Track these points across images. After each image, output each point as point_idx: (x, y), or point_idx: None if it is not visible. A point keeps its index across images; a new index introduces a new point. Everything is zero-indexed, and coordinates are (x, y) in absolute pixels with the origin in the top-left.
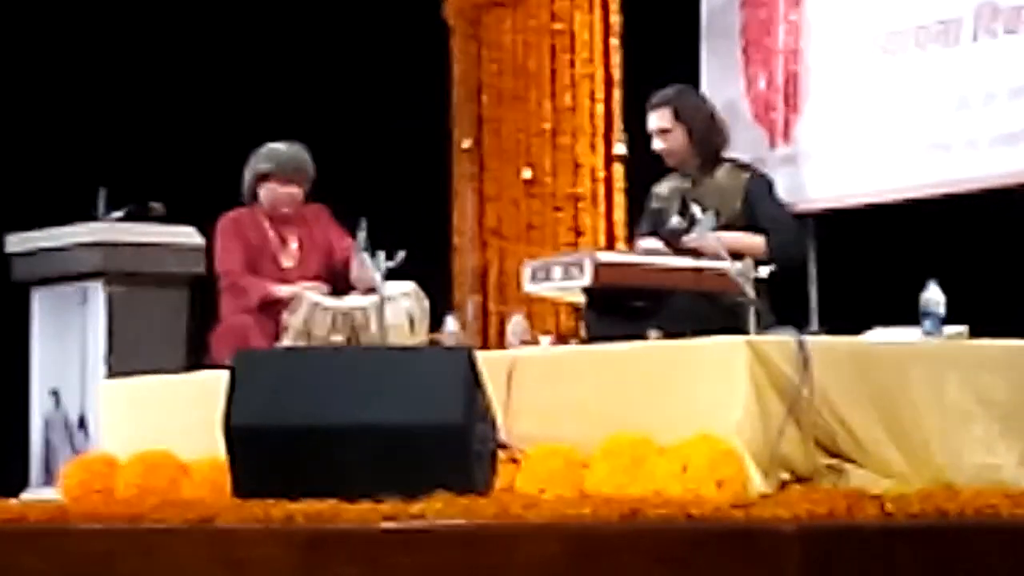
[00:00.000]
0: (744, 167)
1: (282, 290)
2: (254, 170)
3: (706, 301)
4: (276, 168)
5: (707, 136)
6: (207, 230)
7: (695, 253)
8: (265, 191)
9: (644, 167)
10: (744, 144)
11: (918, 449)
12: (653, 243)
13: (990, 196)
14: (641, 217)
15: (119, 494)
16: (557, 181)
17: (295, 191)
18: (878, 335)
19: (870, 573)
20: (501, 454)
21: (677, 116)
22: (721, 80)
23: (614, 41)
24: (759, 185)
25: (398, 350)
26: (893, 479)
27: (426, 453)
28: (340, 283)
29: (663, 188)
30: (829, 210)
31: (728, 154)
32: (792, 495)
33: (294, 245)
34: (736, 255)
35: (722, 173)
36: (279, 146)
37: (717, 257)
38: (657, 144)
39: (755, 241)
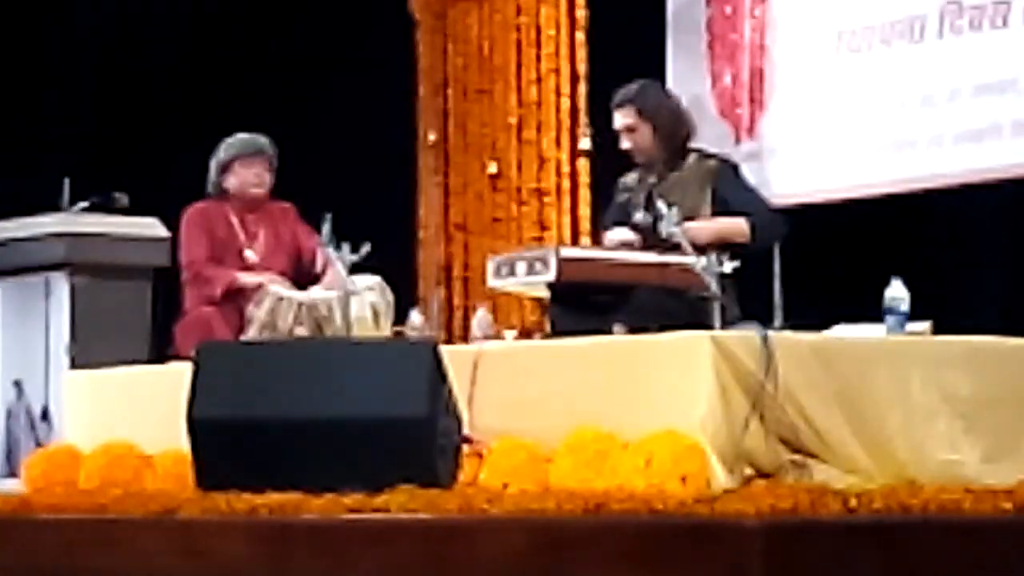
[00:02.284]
0: (710, 156)
1: (247, 279)
2: (218, 162)
3: (670, 296)
4: (238, 152)
5: (673, 131)
6: (171, 222)
7: (666, 245)
8: (232, 177)
9: (609, 162)
10: (709, 139)
11: (881, 445)
12: (623, 233)
13: (954, 193)
14: (607, 208)
15: (82, 486)
16: (522, 175)
17: (261, 171)
18: (842, 331)
19: (833, 568)
20: (465, 448)
21: (641, 114)
22: (687, 75)
23: (580, 36)
24: (727, 172)
25: (363, 343)
26: (856, 475)
27: (390, 446)
28: (304, 279)
29: (630, 179)
30: (794, 206)
31: (694, 145)
32: (755, 490)
33: (260, 241)
34: (710, 245)
35: (689, 164)
36: (238, 135)
37: (682, 252)
38: (624, 142)
39: (739, 224)
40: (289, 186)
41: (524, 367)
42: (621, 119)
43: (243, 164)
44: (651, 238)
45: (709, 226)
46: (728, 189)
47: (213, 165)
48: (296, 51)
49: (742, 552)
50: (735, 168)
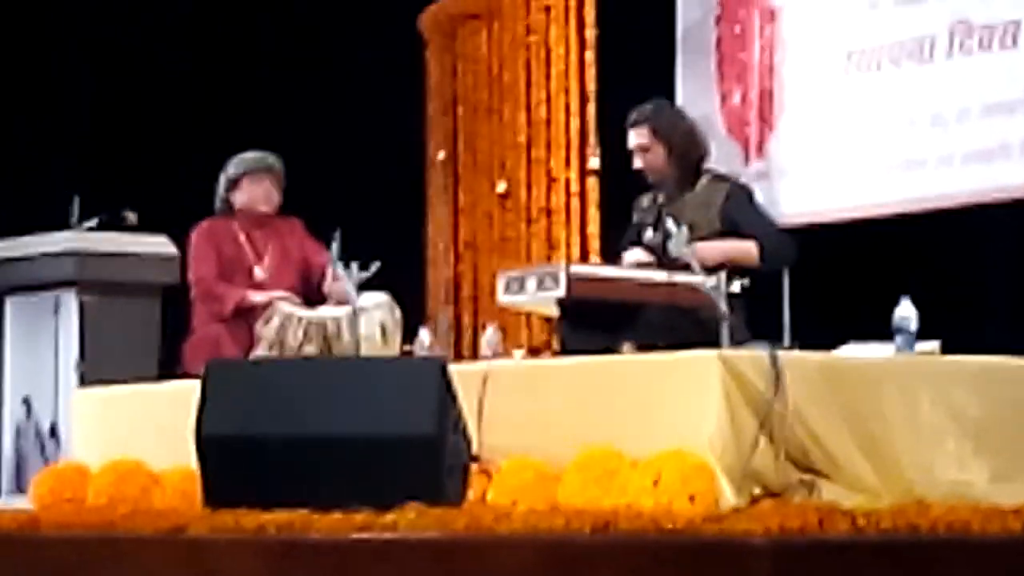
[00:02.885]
0: (723, 178)
1: (257, 296)
2: (226, 179)
3: (680, 315)
4: (245, 169)
5: (686, 152)
6: (180, 239)
7: (681, 265)
8: (240, 194)
9: (618, 181)
10: (718, 159)
11: (890, 465)
12: (638, 254)
13: (963, 213)
14: (625, 230)
15: (90, 503)
16: (531, 194)
17: (269, 188)
18: (851, 351)
19: None
20: (473, 466)
21: (655, 133)
22: (696, 95)
23: (589, 55)
24: (739, 195)
25: (371, 361)
26: (865, 494)
27: (398, 464)
28: (314, 295)
29: (644, 201)
30: (803, 226)
31: (707, 166)
32: (764, 509)
33: (268, 257)
34: (719, 266)
35: (701, 186)
36: (246, 153)
37: (691, 271)
38: (638, 162)
39: (748, 247)
40: (298, 203)
41: (533, 385)
42: (636, 138)
43: (252, 181)
44: (664, 258)
45: (719, 246)
46: (739, 212)
47: (222, 181)
48: (306, 69)
49: (750, 571)
50: (749, 192)
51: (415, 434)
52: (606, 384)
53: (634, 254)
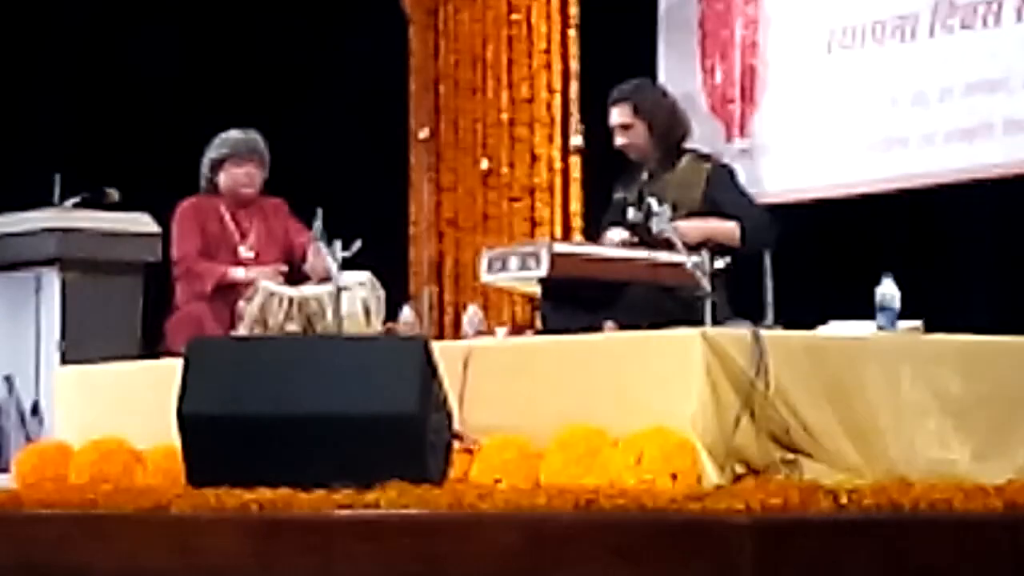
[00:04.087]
0: (705, 157)
1: (237, 273)
2: (210, 159)
3: (662, 293)
4: (230, 151)
5: (668, 130)
6: (162, 217)
7: (663, 244)
8: (224, 176)
9: (601, 159)
10: (701, 137)
11: (872, 443)
12: (620, 233)
13: (946, 191)
14: (606, 210)
15: (72, 481)
16: (514, 172)
17: (252, 171)
18: (833, 329)
19: (823, 565)
20: (456, 444)
21: (637, 111)
22: (678, 73)
23: (572, 33)
24: (721, 175)
25: (353, 339)
26: (847, 472)
27: (381, 443)
28: (296, 275)
29: (624, 180)
30: (785, 204)
31: (689, 145)
32: (746, 487)
33: (252, 236)
34: (700, 245)
35: (683, 165)
36: (232, 132)
37: (674, 249)
38: (619, 140)
39: (730, 227)
40: (281, 182)
41: (515, 364)
42: (617, 116)
43: (234, 163)
44: (645, 236)
45: (700, 226)
46: (721, 191)
47: (205, 161)
48: (288, 47)
49: (732, 549)
50: (730, 171)
51: (398, 412)
52: (589, 362)
53: (615, 233)
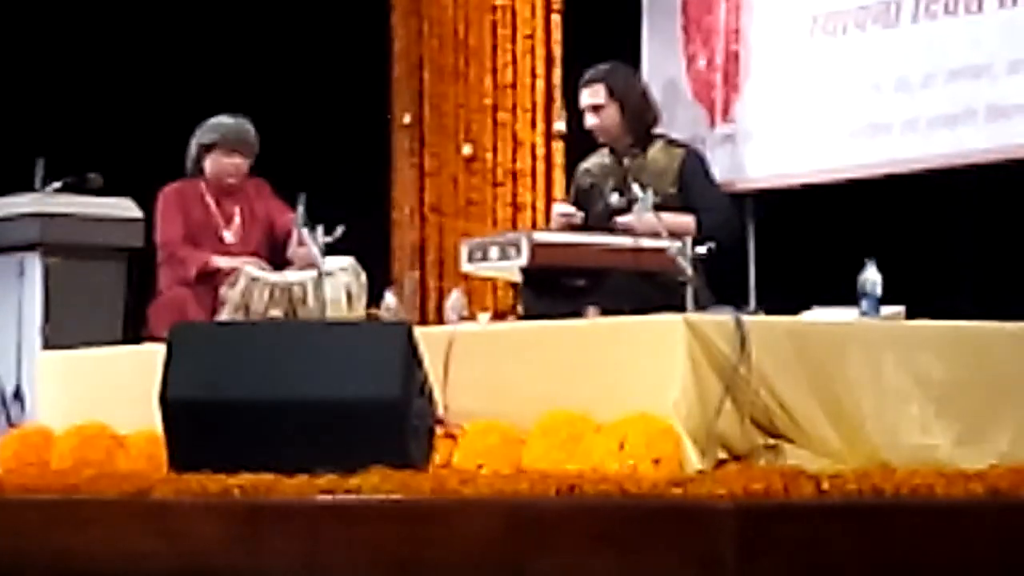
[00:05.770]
0: (678, 144)
1: (221, 261)
2: (199, 142)
3: (644, 280)
4: (220, 139)
5: (640, 113)
6: (145, 202)
7: (629, 231)
8: (210, 162)
9: (584, 144)
10: (684, 123)
11: (854, 428)
12: (564, 207)
13: (928, 177)
14: (568, 194)
15: (54, 466)
16: (497, 157)
17: (239, 162)
18: (816, 315)
19: (806, 550)
20: (438, 430)
21: (611, 92)
22: (662, 58)
23: (555, 18)
24: (693, 162)
25: (336, 325)
26: (829, 458)
27: (363, 428)
28: (280, 257)
29: (592, 164)
30: (768, 190)
31: (664, 131)
32: (728, 473)
33: (237, 220)
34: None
35: (655, 150)
36: (224, 118)
37: (655, 236)
38: (590, 120)
39: (686, 221)
40: (264, 166)
41: (498, 349)
42: (589, 97)
43: (223, 152)
44: (616, 225)
45: (654, 222)
46: (692, 181)
47: (194, 144)
48: (271, 31)
49: (715, 534)
50: (701, 159)
51: (380, 397)
52: (571, 348)
53: (559, 207)
